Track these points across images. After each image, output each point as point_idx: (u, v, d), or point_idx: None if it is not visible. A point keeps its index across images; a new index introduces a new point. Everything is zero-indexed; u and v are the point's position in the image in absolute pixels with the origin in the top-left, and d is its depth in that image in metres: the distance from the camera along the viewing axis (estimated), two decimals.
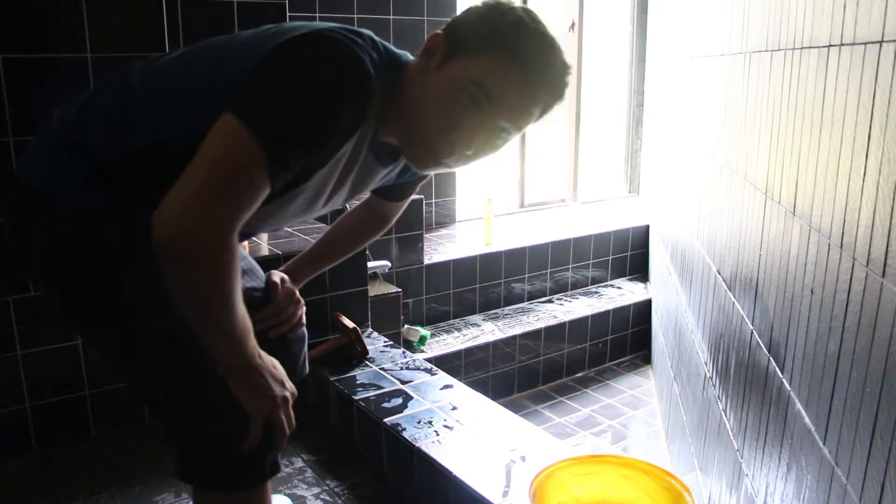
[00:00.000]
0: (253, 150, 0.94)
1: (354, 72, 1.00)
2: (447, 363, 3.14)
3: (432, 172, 1.22)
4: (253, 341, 1.05)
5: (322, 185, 1.14)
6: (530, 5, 4.19)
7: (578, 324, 3.67)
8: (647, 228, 4.27)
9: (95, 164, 1.09)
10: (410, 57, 1.15)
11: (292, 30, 1.04)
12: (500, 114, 1.06)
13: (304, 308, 1.39)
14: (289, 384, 1.13)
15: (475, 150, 1.10)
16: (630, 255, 4.26)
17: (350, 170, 1.16)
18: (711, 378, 2.22)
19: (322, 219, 2.61)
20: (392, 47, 1.12)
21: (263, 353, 1.08)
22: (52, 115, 1.18)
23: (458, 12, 1.15)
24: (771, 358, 1.57)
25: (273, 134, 0.95)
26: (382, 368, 2.27)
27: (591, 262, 4.08)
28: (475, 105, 1.04)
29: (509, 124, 1.08)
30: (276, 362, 1.12)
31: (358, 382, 2.18)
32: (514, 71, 1.04)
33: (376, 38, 1.09)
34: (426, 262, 3.39)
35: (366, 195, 1.43)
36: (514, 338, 3.42)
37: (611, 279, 4.21)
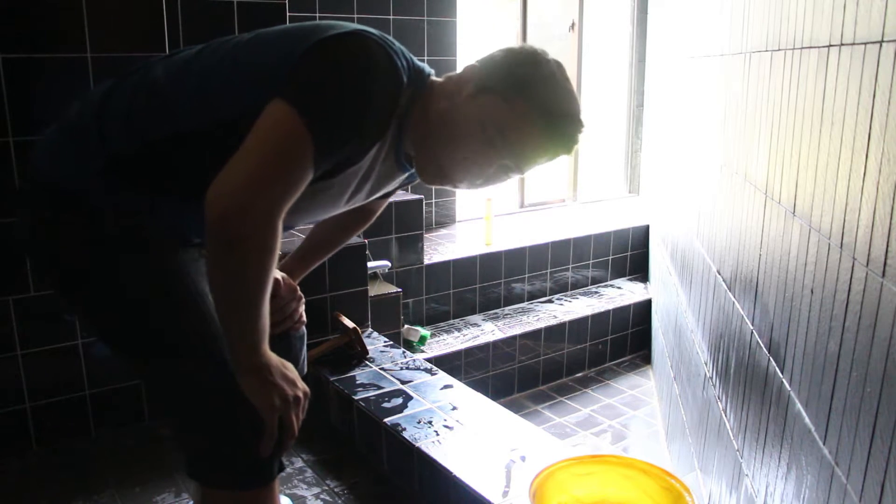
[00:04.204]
0: (304, 134, 0.99)
1: (393, 75, 1.06)
2: (447, 363, 3.14)
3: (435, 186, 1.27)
4: (267, 341, 1.07)
5: (345, 184, 1.17)
6: (531, 5, 4.20)
7: (578, 324, 3.67)
8: (647, 228, 4.27)
9: (113, 159, 1.10)
10: (430, 70, 1.19)
11: (332, 27, 1.07)
12: (509, 156, 1.13)
13: (304, 304, 1.42)
14: (301, 384, 1.13)
15: (483, 180, 1.17)
16: (630, 255, 4.26)
17: (371, 172, 1.19)
18: (711, 378, 2.22)
19: None
20: (414, 58, 1.15)
21: (274, 354, 1.09)
22: (69, 109, 1.18)
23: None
24: (771, 358, 1.57)
25: (322, 122, 1.00)
26: (382, 368, 2.27)
27: (591, 262, 4.08)
28: (490, 142, 1.10)
29: (514, 166, 1.15)
30: (287, 363, 1.13)
31: (358, 382, 2.18)
32: (535, 123, 1.11)
33: (403, 46, 1.13)
34: (426, 262, 3.39)
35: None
36: (514, 338, 3.42)
37: (611, 279, 4.20)
